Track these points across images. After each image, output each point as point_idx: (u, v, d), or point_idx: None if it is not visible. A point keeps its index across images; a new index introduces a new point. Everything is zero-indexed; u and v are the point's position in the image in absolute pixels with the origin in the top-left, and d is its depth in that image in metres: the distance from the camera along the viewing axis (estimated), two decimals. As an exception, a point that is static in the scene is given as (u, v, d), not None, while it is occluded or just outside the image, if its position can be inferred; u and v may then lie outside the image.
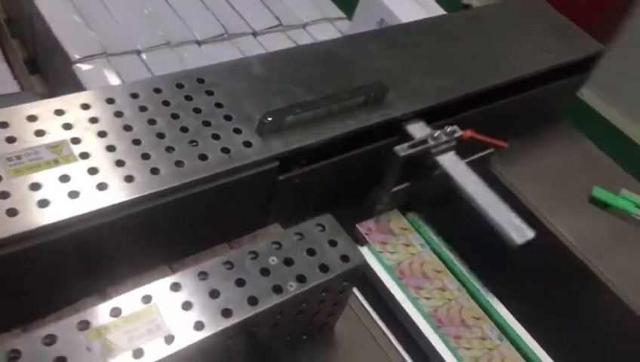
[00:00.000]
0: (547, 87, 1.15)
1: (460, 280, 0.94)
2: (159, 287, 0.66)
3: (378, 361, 0.85)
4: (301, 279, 0.70)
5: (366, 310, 0.91)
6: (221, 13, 1.78)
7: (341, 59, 0.99)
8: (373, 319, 0.90)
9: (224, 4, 1.83)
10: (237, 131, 0.83)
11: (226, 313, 0.66)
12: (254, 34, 1.75)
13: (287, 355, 0.81)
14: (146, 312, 0.64)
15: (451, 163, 0.92)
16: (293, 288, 0.69)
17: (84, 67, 1.52)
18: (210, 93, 0.86)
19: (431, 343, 0.86)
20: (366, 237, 0.94)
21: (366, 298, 0.92)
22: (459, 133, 0.94)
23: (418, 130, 0.93)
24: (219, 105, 0.85)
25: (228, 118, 0.84)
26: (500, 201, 0.89)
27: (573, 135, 1.29)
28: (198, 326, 0.64)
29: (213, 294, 0.67)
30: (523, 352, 0.88)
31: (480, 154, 1.03)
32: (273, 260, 0.72)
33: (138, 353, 0.61)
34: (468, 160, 0.98)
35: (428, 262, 0.95)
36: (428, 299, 0.91)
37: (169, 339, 0.62)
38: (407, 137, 0.92)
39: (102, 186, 0.71)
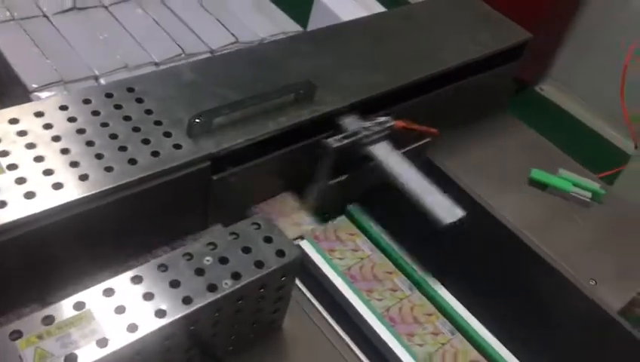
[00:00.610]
0: (480, 76, 1.18)
1: (410, 279, 0.95)
2: (93, 293, 0.67)
3: (331, 359, 0.86)
4: (236, 276, 0.71)
5: (317, 310, 0.91)
6: (177, 34, 1.80)
7: (271, 62, 1.01)
8: (325, 318, 0.90)
9: (180, 25, 1.86)
10: (167, 135, 0.84)
11: (160, 313, 0.66)
12: (212, 52, 1.77)
13: (237, 357, 0.81)
14: (80, 318, 0.64)
15: (383, 152, 0.94)
16: (228, 285, 0.70)
17: (43, 95, 1.53)
18: (140, 100, 0.87)
19: (385, 341, 0.86)
20: (316, 241, 0.95)
21: (317, 299, 0.93)
22: (391, 122, 0.96)
23: (350, 122, 0.95)
24: (148, 111, 0.86)
25: (158, 123, 0.85)
26: (429, 185, 0.91)
27: (515, 124, 1.33)
28: (132, 328, 0.64)
29: (147, 297, 0.67)
30: (476, 343, 0.89)
31: (416, 145, 1.05)
32: (208, 260, 0.72)
33: (71, 358, 0.61)
34: (404, 150, 1.01)
35: (378, 264, 0.96)
36: (380, 299, 0.92)
37: (102, 342, 0.63)
38: (341, 130, 0.94)
39: (30, 195, 0.72)
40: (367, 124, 0.94)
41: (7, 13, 1.87)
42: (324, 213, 0.99)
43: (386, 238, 0.99)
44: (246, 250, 0.74)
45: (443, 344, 0.88)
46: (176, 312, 0.66)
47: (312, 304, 0.91)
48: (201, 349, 0.75)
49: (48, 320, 0.63)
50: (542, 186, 1.18)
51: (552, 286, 1.02)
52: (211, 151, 0.84)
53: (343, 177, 0.98)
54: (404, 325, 0.89)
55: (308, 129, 0.94)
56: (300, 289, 0.91)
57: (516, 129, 1.30)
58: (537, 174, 1.18)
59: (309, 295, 0.92)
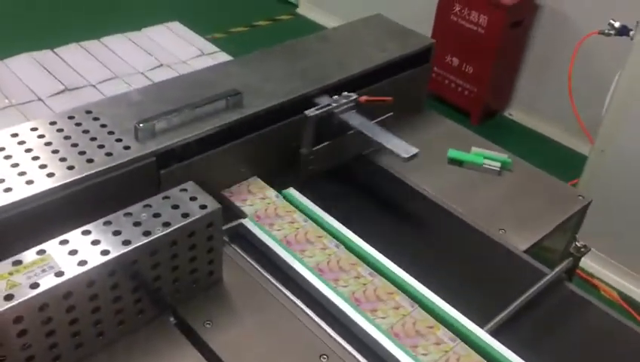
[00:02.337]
0: (395, 77, 1.39)
1: (337, 239, 1.12)
2: (51, 243, 0.86)
3: (267, 303, 1.01)
4: (166, 224, 0.90)
5: (256, 268, 1.07)
6: (110, 60, 2.29)
7: (206, 82, 1.22)
8: (263, 274, 1.06)
9: (111, 54, 2.35)
10: (118, 140, 1.05)
11: (104, 253, 0.84)
12: (142, 73, 2.20)
13: (183, 305, 0.98)
14: (41, 260, 0.83)
15: (351, 116, 1.23)
16: (160, 231, 0.89)
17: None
18: (96, 118, 1.09)
19: (315, 286, 1.03)
20: (257, 220, 1.13)
21: (257, 262, 1.09)
22: (354, 96, 1.24)
23: (323, 99, 1.24)
24: (103, 125, 1.07)
25: (111, 133, 1.06)
26: (390, 135, 1.20)
27: (435, 119, 1.53)
28: (82, 263, 0.83)
29: (95, 243, 0.86)
30: (399, 285, 1.05)
31: (381, 118, 1.28)
32: (144, 216, 0.91)
33: (34, 285, 0.79)
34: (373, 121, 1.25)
35: (310, 231, 1.13)
36: (311, 256, 1.09)
37: (59, 274, 0.81)
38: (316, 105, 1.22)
39: (8, 190, 0.92)
40: (336, 97, 1.22)
41: (6, 101, 2.16)
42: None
43: (317, 211, 1.16)
44: (175, 206, 0.93)
45: (365, 284, 1.03)
46: (117, 251, 0.84)
47: (251, 264, 1.08)
48: (147, 293, 0.92)
49: (17, 262, 0.82)
50: (459, 163, 1.36)
51: (471, 244, 1.18)
52: (154, 149, 1.04)
53: (325, 143, 1.24)
54: (331, 273, 1.05)
55: (240, 128, 1.14)
56: (243, 258, 1.08)
57: (435, 122, 1.50)
58: (453, 153, 1.36)
59: (249, 259, 1.08)
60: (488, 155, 1.36)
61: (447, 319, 0.99)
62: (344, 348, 0.95)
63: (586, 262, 2.40)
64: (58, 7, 3.84)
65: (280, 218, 1.15)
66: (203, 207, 0.93)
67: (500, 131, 3.25)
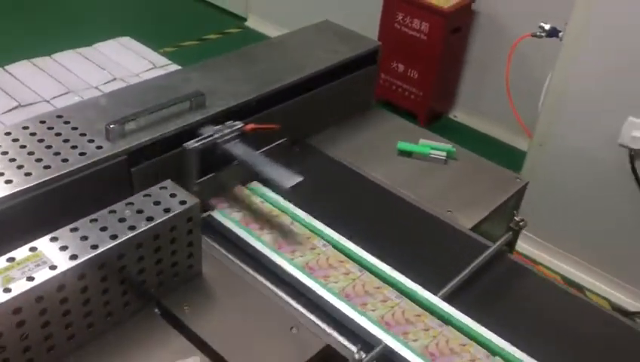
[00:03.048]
0: (344, 78, 1.49)
1: (291, 217, 1.21)
2: (42, 241, 0.91)
3: (240, 288, 1.09)
4: (150, 219, 0.97)
5: (232, 261, 1.15)
6: (62, 76, 2.33)
7: (168, 88, 1.30)
8: (238, 264, 1.14)
9: (64, 70, 2.39)
10: (90, 141, 1.11)
11: (94, 247, 0.91)
12: (96, 88, 2.27)
13: (167, 297, 1.04)
14: (34, 256, 0.89)
15: (235, 146, 1.20)
16: (144, 225, 0.95)
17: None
18: (67, 122, 1.15)
19: (281, 266, 1.11)
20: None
21: (231, 254, 1.17)
22: (239, 125, 1.22)
23: (206, 129, 1.20)
24: (75, 128, 1.14)
25: (83, 134, 1.12)
26: (273, 163, 1.18)
27: (385, 116, 1.64)
28: (73, 257, 0.89)
29: (83, 238, 0.92)
30: (349, 255, 1.14)
31: (277, 143, 1.32)
32: (127, 213, 0.98)
33: (30, 279, 0.85)
34: (266, 148, 1.28)
35: (267, 212, 1.22)
36: (270, 233, 1.17)
37: (53, 267, 0.87)
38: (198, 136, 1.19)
39: (-16, 190, 0.97)
40: (219, 127, 1.20)
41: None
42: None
43: (277, 198, 1.25)
44: (156, 203, 1.00)
45: (319, 254, 1.13)
46: (105, 245, 0.91)
47: (227, 257, 1.15)
48: (133, 285, 0.98)
49: (10, 259, 0.88)
50: (408, 154, 1.47)
51: (422, 224, 1.29)
52: (125, 148, 1.11)
53: (210, 175, 1.21)
54: (288, 246, 1.14)
55: (204, 126, 1.22)
56: (217, 249, 1.16)
57: (384, 119, 1.61)
58: (402, 145, 1.47)
59: (223, 251, 1.16)
60: (434, 146, 1.47)
61: (394, 282, 1.10)
62: (311, 319, 1.04)
63: (533, 251, 2.56)
64: (6, 26, 3.82)
65: (246, 208, 1.23)
66: (183, 202, 1.00)
67: (446, 132, 3.37)
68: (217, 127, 1.21)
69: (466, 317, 1.04)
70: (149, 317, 1.02)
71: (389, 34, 3.37)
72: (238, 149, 1.21)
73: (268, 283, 1.11)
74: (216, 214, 1.20)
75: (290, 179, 1.15)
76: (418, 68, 3.39)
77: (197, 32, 4.07)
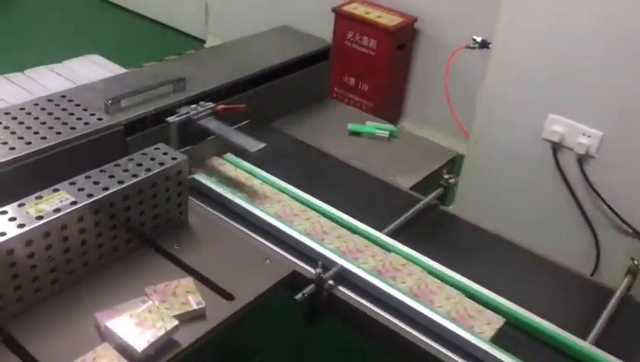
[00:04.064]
0: (302, 71, 1.76)
1: (264, 181, 1.46)
2: (63, 184, 1.12)
3: (221, 234, 1.31)
4: (148, 170, 1.20)
5: (214, 214, 1.37)
6: (36, 89, 2.46)
7: (154, 75, 1.53)
8: (219, 216, 1.36)
9: (36, 84, 2.55)
10: (92, 114, 1.33)
11: (89, 195, 1.12)
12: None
13: (161, 238, 1.26)
14: (58, 195, 1.10)
15: (207, 122, 1.45)
16: (144, 174, 1.18)
17: None
18: (70, 100, 1.37)
19: (259, 217, 1.34)
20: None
21: (213, 209, 1.39)
22: (211, 105, 1.47)
23: (184, 109, 1.45)
24: (78, 105, 1.36)
25: (85, 109, 1.35)
26: (239, 133, 1.43)
27: (337, 104, 1.91)
28: (73, 203, 1.10)
29: (95, 183, 1.14)
30: (311, 207, 1.39)
31: (240, 124, 1.55)
32: (130, 165, 1.20)
33: (57, 209, 1.06)
34: (235, 126, 1.52)
35: (244, 178, 1.46)
36: (244, 191, 1.41)
37: (73, 203, 1.08)
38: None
39: (11, 148, 1.18)
40: (194, 106, 1.45)
41: None
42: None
43: (248, 165, 1.49)
44: (152, 158, 1.23)
45: (284, 206, 1.36)
46: (99, 194, 1.12)
47: (209, 210, 1.38)
48: (134, 225, 1.20)
49: (39, 197, 1.09)
50: (357, 134, 1.73)
51: (370, 185, 1.54)
52: (121, 120, 1.34)
53: (188, 147, 1.43)
54: (260, 201, 1.38)
55: (183, 106, 1.45)
56: (199, 205, 1.38)
57: (337, 107, 1.88)
58: (352, 127, 1.74)
59: (205, 206, 1.39)
60: (379, 126, 1.74)
61: (346, 223, 1.35)
62: (280, 253, 1.27)
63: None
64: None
65: (222, 173, 1.46)
66: (174, 158, 1.23)
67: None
68: (193, 106, 1.46)
69: (405, 246, 1.29)
70: (147, 253, 1.24)
71: (341, 51, 3.67)
72: (211, 124, 1.45)
73: (244, 229, 1.34)
74: (199, 176, 1.43)
75: (256, 144, 1.40)
76: (368, 81, 3.70)
77: (158, 53, 4.30)
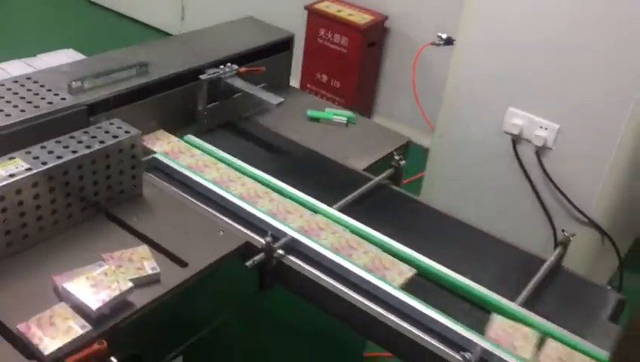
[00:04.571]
0: (264, 60, 1.83)
1: (222, 161, 1.53)
2: (19, 153, 1.19)
3: (183, 210, 1.38)
4: (102, 142, 1.26)
5: (170, 188, 1.44)
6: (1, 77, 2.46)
7: (119, 59, 1.59)
8: (176, 191, 1.43)
9: (1, 71, 2.54)
10: (56, 95, 1.39)
11: (44, 163, 1.18)
12: None
13: (116, 208, 1.32)
14: (13, 162, 1.16)
15: (233, 80, 1.66)
16: (98, 145, 1.24)
17: None
18: (36, 82, 1.43)
19: (218, 193, 1.41)
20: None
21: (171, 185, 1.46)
22: (235, 67, 1.67)
23: (212, 70, 1.64)
24: (42, 85, 1.42)
25: (49, 90, 1.41)
26: (265, 90, 1.61)
27: (298, 92, 1.98)
28: (28, 170, 1.16)
29: (50, 152, 1.21)
30: (267, 185, 1.46)
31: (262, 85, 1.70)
32: (84, 137, 1.27)
33: (12, 175, 1.13)
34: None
35: (207, 160, 1.52)
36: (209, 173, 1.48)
37: (29, 169, 1.15)
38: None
39: (-24, 123, 1.24)
40: (222, 67, 1.63)
41: None
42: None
43: (210, 148, 1.56)
44: (107, 132, 1.29)
45: (244, 185, 1.44)
46: (53, 162, 1.19)
47: (166, 186, 1.44)
48: (88, 194, 1.26)
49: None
50: (316, 120, 1.81)
51: (323, 166, 1.62)
52: (84, 100, 1.40)
53: (216, 103, 1.63)
54: (223, 183, 1.45)
55: (147, 89, 1.52)
56: (156, 180, 1.45)
57: (298, 94, 1.96)
58: (312, 113, 1.82)
59: (163, 182, 1.45)
60: (337, 113, 1.82)
61: (302, 201, 1.43)
62: (234, 226, 1.35)
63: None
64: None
65: (183, 153, 1.53)
66: (127, 132, 1.30)
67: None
68: (221, 66, 1.67)
69: (349, 217, 1.37)
70: (102, 222, 1.30)
71: (313, 48, 3.76)
72: (237, 83, 1.66)
73: (201, 204, 1.41)
74: (158, 155, 1.50)
75: (276, 98, 1.62)
76: (340, 78, 3.78)
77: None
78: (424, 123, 3.41)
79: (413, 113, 3.58)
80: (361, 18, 3.64)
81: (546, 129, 2.54)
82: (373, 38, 3.70)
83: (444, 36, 2.98)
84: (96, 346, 1.04)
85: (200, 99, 1.62)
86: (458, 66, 2.81)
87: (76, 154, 1.22)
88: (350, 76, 3.73)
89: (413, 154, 3.47)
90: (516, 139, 2.69)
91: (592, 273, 2.40)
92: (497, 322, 1.17)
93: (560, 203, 2.58)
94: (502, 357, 1.09)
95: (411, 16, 3.66)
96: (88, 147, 1.24)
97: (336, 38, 3.69)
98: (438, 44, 3.01)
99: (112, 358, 1.05)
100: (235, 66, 1.67)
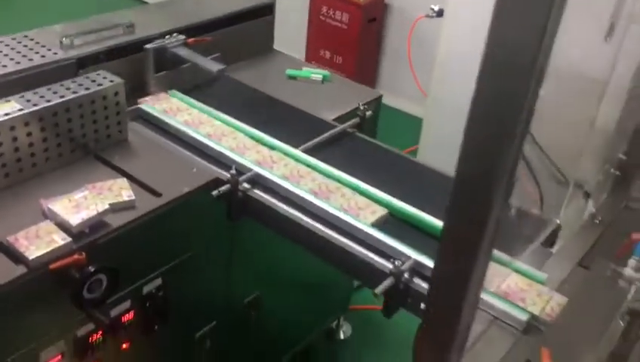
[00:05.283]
0: (245, 23, 1.97)
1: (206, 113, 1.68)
2: (14, 97, 1.35)
3: (162, 152, 1.54)
4: (87, 88, 1.42)
5: (157, 137, 1.60)
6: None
7: (107, 21, 1.75)
8: (162, 139, 1.59)
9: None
10: (49, 50, 1.56)
11: (35, 105, 1.35)
12: None
13: (104, 152, 1.48)
14: (9, 104, 1.33)
15: (179, 49, 1.72)
16: (84, 91, 1.40)
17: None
18: (31, 39, 1.60)
19: (201, 141, 1.56)
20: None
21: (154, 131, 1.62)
22: (182, 37, 1.74)
23: (159, 40, 1.72)
24: (37, 42, 1.59)
25: (43, 46, 1.58)
26: (205, 58, 1.69)
27: (280, 55, 2.12)
28: (20, 110, 1.33)
29: (28, 101, 1.36)
30: (253, 137, 1.60)
31: (213, 56, 1.81)
32: (72, 84, 1.43)
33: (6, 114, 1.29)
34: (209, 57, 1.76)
35: (193, 115, 1.68)
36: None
37: (21, 110, 1.31)
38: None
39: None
40: (168, 37, 1.73)
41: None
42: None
43: (189, 99, 1.72)
44: (93, 81, 1.45)
45: (215, 127, 1.58)
46: (57, 100, 1.36)
47: (149, 132, 1.60)
48: (77, 136, 1.42)
49: None
50: (294, 78, 1.95)
51: (299, 117, 1.76)
52: (74, 54, 1.56)
53: (163, 72, 1.72)
54: (194, 124, 1.60)
55: (133, 46, 1.68)
56: (141, 127, 1.61)
57: (280, 56, 2.09)
58: (290, 72, 1.96)
59: (146, 129, 1.61)
60: (314, 71, 1.96)
61: (269, 143, 1.58)
62: (207, 165, 1.50)
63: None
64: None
65: (170, 102, 1.69)
66: (112, 81, 1.46)
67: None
68: (167, 37, 1.73)
69: (312, 158, 1.51)
70: (90, 161, 1.47)
71: (316, 25, 3.89)
72: (182, 51, 1.72)
73: (179, 147, 1.56)
74: (142, 106, 1.65)
75: (217, 65, 1.68)
76: (342, 54, 3.90)
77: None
78: (422, 97, 3.51)
79: (414, 86, 3.69)
80: (361, -5, 3.75)
81: (530, 93, 2.63)
82: (373, 14, 3.82)
83: (437, 8, 3.08)
84: (75, 256, 1.20)
85: (146, 67, 1.70)
86: (448, 36, 2.91)
87: (63, 99, 1.38)
88: (351, 52, 3.85)
89: (414, 127, 3.61)
90: (503, 105, 2.79)
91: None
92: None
93: (544, 164, 2.68)
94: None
95: (409, -10, 3.76)
96: (75, 93, 1.40)
97: (338, 15, 3.81)
98: (431, 17, 3.11)
99: (90, 267, 1.21)
100: (182, 37, 1.75)
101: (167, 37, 1.72)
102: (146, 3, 4.52)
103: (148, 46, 1.68)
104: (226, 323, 1.69)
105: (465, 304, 0.82)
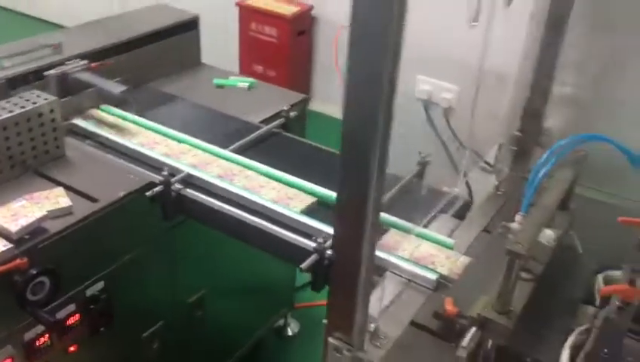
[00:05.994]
0: (170, 39, 2.08)
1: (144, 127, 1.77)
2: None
3: (99, 163, 1.61)
4: (23, 107, 1.49)
5: (94, 151, 1.68)
6: None
7: (33, 42, 1.83)
8: (98, 152, 1.67)
9: None
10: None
11: None
12: None
13: (44, 167, 1.55)
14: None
15: (80, 73, 1.77)
16: (19, 110, 1.47)
17: None
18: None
19: (132, 148, 1.65)
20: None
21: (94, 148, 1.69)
22: (84, 62, 1.80)
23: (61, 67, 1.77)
24: None
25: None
26: (106, 80, 1.77)
27: (207, 68, 2.23)
28: None
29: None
30: (183, 141, 1.70)
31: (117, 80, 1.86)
32: (7, 104, 1.49)
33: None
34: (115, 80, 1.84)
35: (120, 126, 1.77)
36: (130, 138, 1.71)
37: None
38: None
39: None
40: (69, 62, 1.78)
41: None
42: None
43: (120, 112, 1.81)
44: (27, 100, 1.53)
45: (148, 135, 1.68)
46: None
47: (86, 147, 1.68)
48: (15, 154, 1.49)
49: None
50: (222, 87, 2.06)
51: (224, 120, 1.87)
52: (4, 75, 1.63)
53: (67, 98, 1.76)
54: (127, 135, 1.68)
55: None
56: (80, 144, 1.68)
57: (209, 69, 2.21)
58: (217, 81, 2.07)
59: (84, 145, 1.69)
60: (241, 79, 2.08)
61: (199, 146, 1.69)
62: (143, 172, 1.58)
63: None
64: None
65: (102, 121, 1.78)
66: (46, 99, 1.54)
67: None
68: (69, 62, 1.78)
69: (243, 157, 1.62)
70: (29, 176, 1.53)
71: (247, 41, 4.01)
72: (84, 76, 1.77)
73: (116, 158, 1.64)
74: (77, 121, 1.73)
75: (119, 87, 1.74)
76: (274, 67, 4.03)
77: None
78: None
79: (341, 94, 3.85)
80: (287, 9, 3.89)
81: (450, 92, 2.83)
82: (301, 27, 3.96)
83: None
84: (18, 261, 1.27)
85: (51, 93, 1.64)
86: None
87: (0, 117, 1.45)
88: (283, 64, 3.98)
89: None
90: (426, 104, 2.97)
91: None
92: (391, 232, 1.43)
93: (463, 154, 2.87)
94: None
95: (333, 1, 3.92)
96: (11, 112, 1.47)
97: (267, 29, 3.94)
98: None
99: (32, 270, 1.28)
100: (84, 62, 1.79)
101: (66, 63, 1.77)
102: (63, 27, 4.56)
103: (47, 73, 1.73)
104: (172, 323, 1.77)
105: (362, 260, 0.95)
